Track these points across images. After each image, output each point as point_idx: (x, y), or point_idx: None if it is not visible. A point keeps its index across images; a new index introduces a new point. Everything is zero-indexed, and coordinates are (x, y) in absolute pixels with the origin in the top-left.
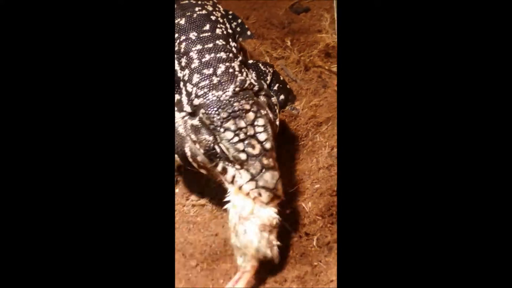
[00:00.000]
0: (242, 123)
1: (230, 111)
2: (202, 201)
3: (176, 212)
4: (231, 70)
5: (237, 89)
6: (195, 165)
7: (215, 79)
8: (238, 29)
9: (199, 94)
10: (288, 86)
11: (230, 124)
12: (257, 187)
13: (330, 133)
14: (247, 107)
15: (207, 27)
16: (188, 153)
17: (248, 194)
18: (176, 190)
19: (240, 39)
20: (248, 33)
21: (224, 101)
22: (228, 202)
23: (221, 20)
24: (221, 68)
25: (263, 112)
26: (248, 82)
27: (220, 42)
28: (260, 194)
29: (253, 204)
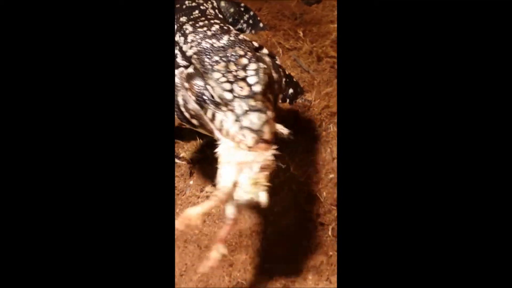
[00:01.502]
0: (232, 67)
1: (222, 55)
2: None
3: (190, 204)
4: (226, 27)
5: (232, 38)
6: (187, 114)
7: (210, 32)
8: (251, 21)
9: (193, 45)
10: (295, 80)
11: (220, 67)
12: (241, 128)
13: None
14: (241, 52)
15: (197, 11)
16: (181, 102)
17: (233, 138)
18: (191, 182)
19: (253, 31)
20: (261, 25)
21: (218, 47)
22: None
23: (212, 11)
24: (215, 26)
25: (261, 64)
26: (243, 36)
27: (211, 16)
28: (244, 136)
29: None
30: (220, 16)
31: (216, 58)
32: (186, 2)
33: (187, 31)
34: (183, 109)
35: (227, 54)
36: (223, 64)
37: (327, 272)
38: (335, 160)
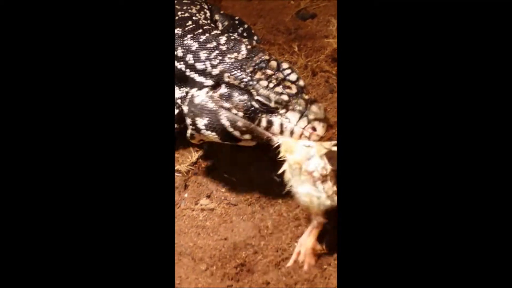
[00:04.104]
0: (269, 71)
1: (253, 64)
2: (211, 205)
3: (185, 217)
4: (233, 37)
5: (248, 46)
6: (237, 133)
7: (223, 47)
8: (245, 34)
9: (215, 63)
10: None
11: (259, 75)
12: (309, 122)
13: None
14: (266, 57)
15: (190, 22)
16: (227, 124)
17: (301, 135)
18: (185, 195)
19: None
20: (255, 38)
21: (243, 59)
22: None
23: (205, 21)
24: (223, 38)
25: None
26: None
27: (208, 26)
28: (314, 128)
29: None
30: (213, 25)
31: (250, 69)
32: (179, 12)
33: (193, 48)
34: (230, 129)
35: (257, 62)
36: (260, 72)
37: (321, 286)
38: None
